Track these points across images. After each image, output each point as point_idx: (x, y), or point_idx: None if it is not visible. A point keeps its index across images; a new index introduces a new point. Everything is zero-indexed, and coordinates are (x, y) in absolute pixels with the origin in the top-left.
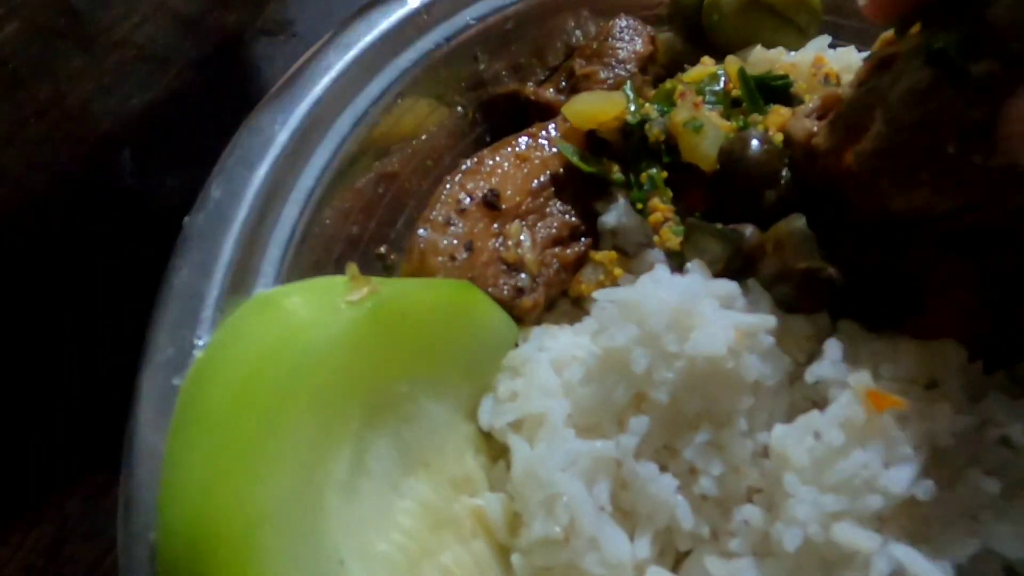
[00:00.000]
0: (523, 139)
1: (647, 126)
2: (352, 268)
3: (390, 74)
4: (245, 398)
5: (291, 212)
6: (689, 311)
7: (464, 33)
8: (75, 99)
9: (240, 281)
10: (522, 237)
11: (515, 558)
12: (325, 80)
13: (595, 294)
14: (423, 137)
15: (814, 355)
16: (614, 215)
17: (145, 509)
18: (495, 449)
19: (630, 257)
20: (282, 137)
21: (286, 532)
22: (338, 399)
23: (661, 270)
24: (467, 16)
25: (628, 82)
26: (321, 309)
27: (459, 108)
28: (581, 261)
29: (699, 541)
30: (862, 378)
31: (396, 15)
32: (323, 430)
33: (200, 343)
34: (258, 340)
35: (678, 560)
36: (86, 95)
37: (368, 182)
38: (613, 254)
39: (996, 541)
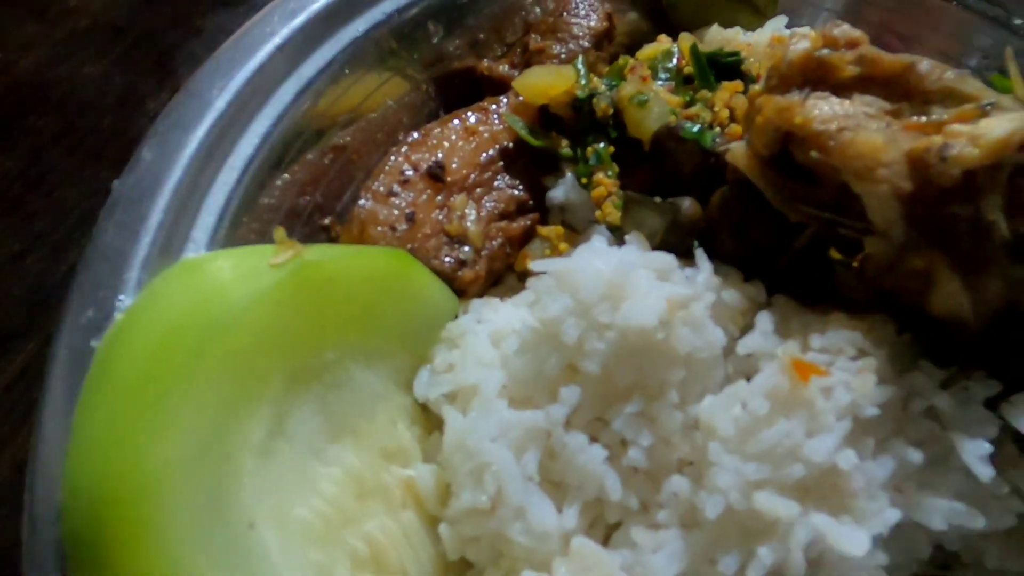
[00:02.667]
0: (471, 113)
1: (595, 100)
2: (279, 232)
3: (337, 44)
4: (157, 358)
5: (227, 179)
6: (622, 282)
7: (417, 5)
8: (27, 65)
9: (168, 246)
10: (467, 210)
11: (443, 528)
12: (268, 47)
13: (532, 265)
14: (378, 111)
15: (749, 329)
16: (562, 190)
17: (52, 472)
18: (432, 421)
19: (579, 233)
20: (220, 103)
21: (190, 490)
22: (257, 361)
23: (598, 241)
24: None
25: (580, 57)
26: (243, 272)
27: (415, 83)
28: (528, 235)
29: (629, 513)
30: (789, 349)
31: None
32: (239, 391)
33: (122, 305)
34: (177, 301)
35: (610, 532)
36: (39, 62)
37: (318, 153)
38: (560, 229)
39: (919, 512)
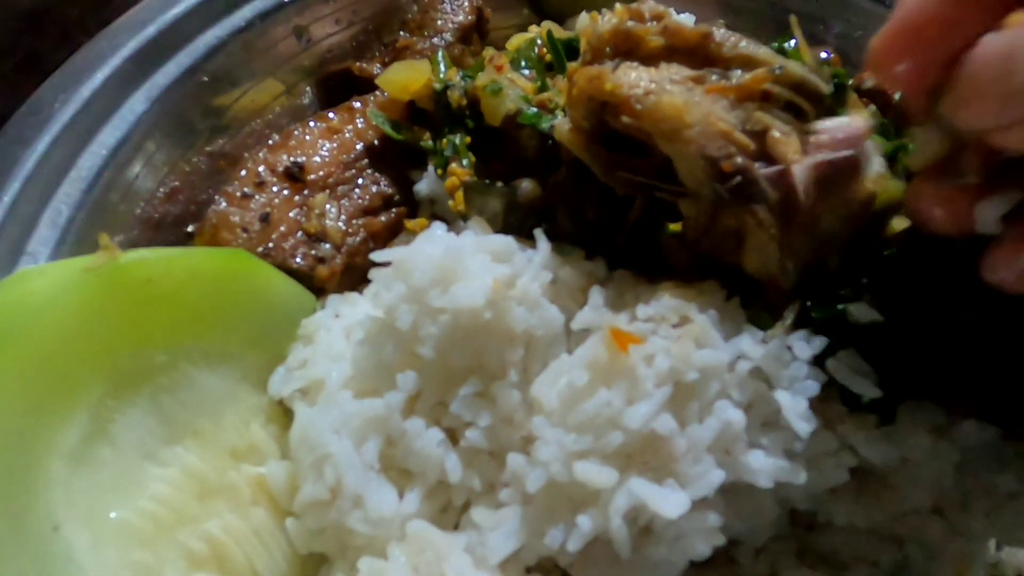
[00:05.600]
0: (334, 114)
1: (449, 91)
2: (103, 238)
3: (193, 52)
4: None
5: (70, 191)
6: (453, 266)
7: (281, 9)
8: None
9: (4, 260)
10: (328, 207)
11: (289, 522)
12: (115, 59)
13: (372, 256)
14: (260, 117)
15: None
16: (426, 183)
17: None
18: (290, 418)
19: (449, 223)
20: (63, 115)
21: None
22: (66, 366)
23: (437, 228)
24: None
25: (440, 51)
26: (51, 280)
27: (289, 86)
28: (396, 229)
29: (474, 494)
30: (613, 320)
31: None
32: (43, 398)
33: None
34: None
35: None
36: None
37: (193, 161)
38: (424, 221)
39: (746, 473)
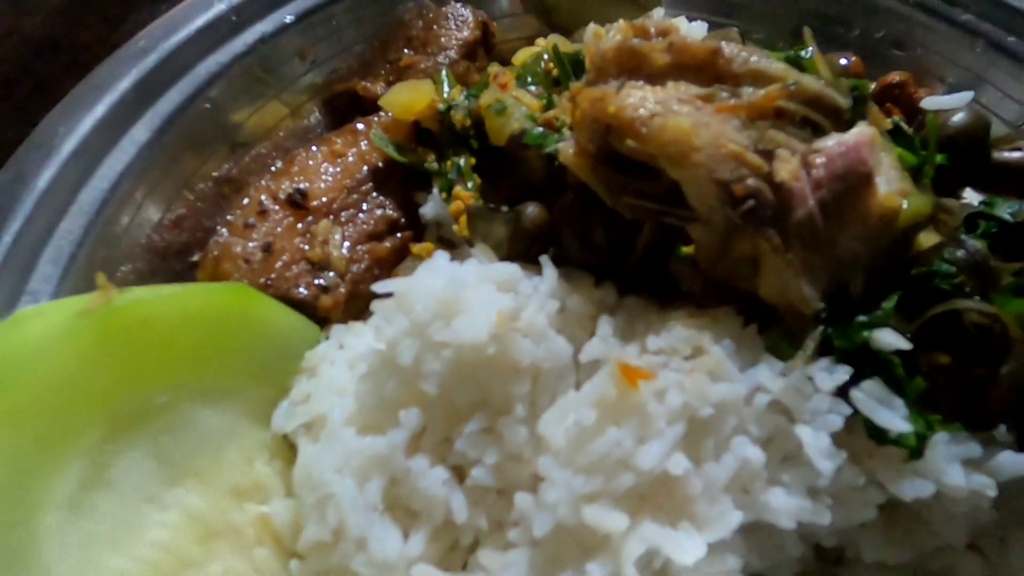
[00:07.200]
0: (338, 137)
1: (452, 112)
2: (100, 278)
3: (195, 79)
4: None
5: (72, 226)
6: (455, 298)
7: (284, 33)
8: None
9: (4, 302)
10: (332, 234)
11: (293, 564)
12: (117, 90)
13: (374, 286)
14: (267, 141)
15: None
16: (431, 206)
17: None
18: (294, 453)
19: (456, 247)
20: (65, 149)
21: None
22: (64, 413)
23: (440, 257)
24: (285, 14)
25: (444, 69)
26: (45, 325)
27: (293, 108)
28: (402, 254)
29: (481, 534)
30: (623, 353)
31: (203, 18)
32: (41, 447)
33: None
34: None
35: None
36: None
37: (205, 189)
38: (430, 245)
39: (766, 512)
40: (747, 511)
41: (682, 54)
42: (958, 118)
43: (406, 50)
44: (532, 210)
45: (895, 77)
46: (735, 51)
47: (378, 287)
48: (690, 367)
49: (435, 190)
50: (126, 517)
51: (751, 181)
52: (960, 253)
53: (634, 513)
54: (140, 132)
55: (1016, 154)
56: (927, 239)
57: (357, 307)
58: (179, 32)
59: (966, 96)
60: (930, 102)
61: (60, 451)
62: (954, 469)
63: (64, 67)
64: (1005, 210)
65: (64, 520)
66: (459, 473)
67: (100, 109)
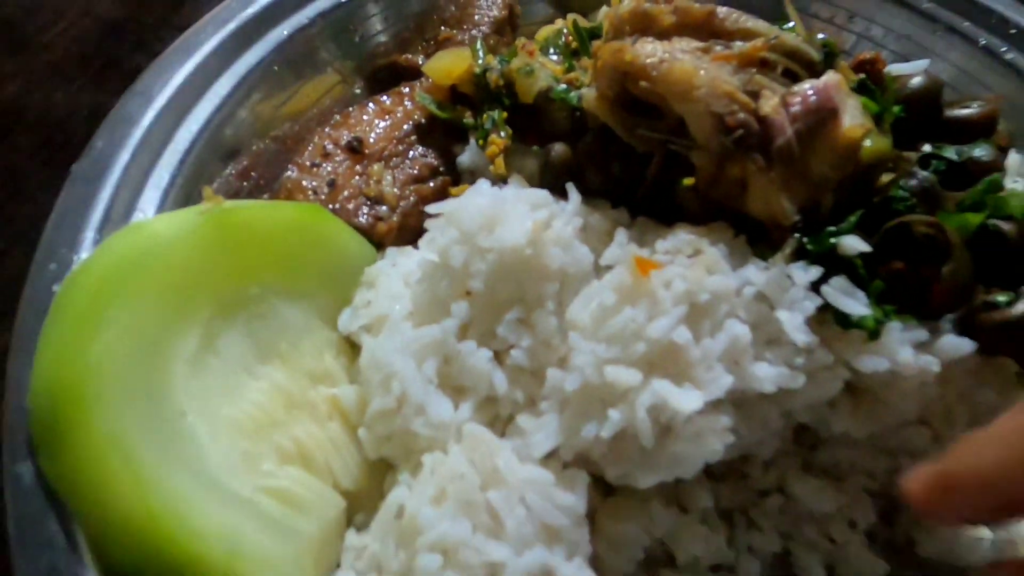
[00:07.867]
0: (387, 96)
1: (488, 74)
2: (207, 190)
3: (265, 46)
4: (99, 286)
5: (170, 160)
6: (498, 213)
7: (337, 10)
8: (7, 94)
9: (119, 214)
10: (384, 175)
11: (361, 431)
12: (204, 50)
13: (428, 208)
14: (314, 107)
15: None
16: (468, 156)
17: (23, 384)
18: (357, 353)
19: None
20: (161, 99)
21: (125, 380)
22: (186, 290)
23: (483, 184)
24: None
25: (479, 40)
26: (173, 221)
27: (343, 78)
28: (442, 195)
29: (517, 406)
30: (635, 250)
31: None
32: (169, 312)
33: (78, 259)
34: (118, 247)
35: (506, 427)
36: (18, 91)
37: (259, 143)
38: (466, 187)
39: (752, 380)
40: (736, 378)
41: (685, 15)
42: (915, 81)
43: (442, 28)
44: (559, 148)
45: (867, 55)
46: (726, 12)
47: (431, 208)
48: (691, 263)
49: (472, 141)
50: (231, 380)
51: (741, 114)
52: (913, 183)
53: (646, 374)
54: (222, 87)
55: (964, 111)
56: (887, 178)
57: (405, 236)
58: (254, 5)
59: (922, 63)
60: (893, 68)
61: (185, 319)
62: (905, 350)
63: (132, 45)
64: (952, 152)
65: (189, 372)
66: (499, 357)
67: (189, 66)
